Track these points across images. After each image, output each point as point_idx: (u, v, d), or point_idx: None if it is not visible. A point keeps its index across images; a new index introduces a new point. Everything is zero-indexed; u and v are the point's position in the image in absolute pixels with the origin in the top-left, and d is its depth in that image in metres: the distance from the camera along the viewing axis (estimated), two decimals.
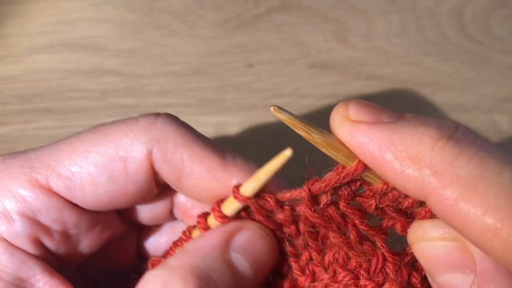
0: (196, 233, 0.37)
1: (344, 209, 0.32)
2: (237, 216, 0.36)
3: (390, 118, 0.29)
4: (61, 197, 0.36)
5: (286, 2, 0.69)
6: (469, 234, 0.25)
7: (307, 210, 0.33)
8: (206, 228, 0.36)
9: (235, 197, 0.34)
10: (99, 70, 0.66)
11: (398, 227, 0.32)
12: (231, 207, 0.35)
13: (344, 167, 0.31)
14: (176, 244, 0.38)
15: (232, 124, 0.62)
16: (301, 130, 0.31)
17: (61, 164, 0.35)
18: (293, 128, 0.31)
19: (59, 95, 0.65)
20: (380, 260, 0.34)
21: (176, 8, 0.69)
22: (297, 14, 0.68)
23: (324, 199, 0.32)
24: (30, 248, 0.36)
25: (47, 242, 0.36)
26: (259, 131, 0.62)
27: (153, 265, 0.38)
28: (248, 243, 0.34)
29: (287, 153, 0.33)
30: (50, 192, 0.36)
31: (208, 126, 0.62)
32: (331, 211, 0.33)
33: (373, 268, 0.34)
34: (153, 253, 0.43)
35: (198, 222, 0.37)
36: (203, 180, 0.36)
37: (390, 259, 0.33)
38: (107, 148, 0.35)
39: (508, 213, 0.23)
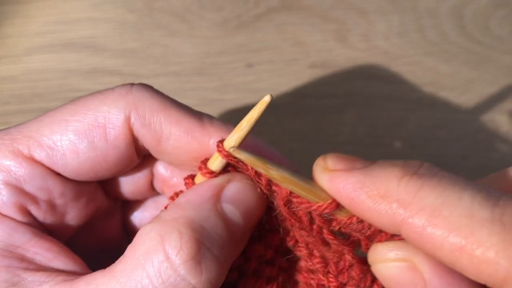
0: None
1: (317, 218, 0.34)
2: (224, 172, 0.36)
3: (363, 164, 0.32)
4: (44, 166, 0.37)
5: (286, 2, 0.69)
6: (441, 256, 0.27)
7: (281, 204, 0.34)
8: None
9: (219, 151, 0.35)
10: (99, 70, 0.66)
11: (363, 245, 0.34)
12: (216, 163, 0.36)
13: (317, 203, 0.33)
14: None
15: (232, 124, 0.62)
16: (260, 168, 0.33)
17: (42, 134, 0.37)
18: (253, 167, 0.33)
19: (59, 95, 0.65)
20: (346, 263, 0.35)
21: (176, 8, 0.69)
22: (297, 14, 0.68)
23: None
24: (18, 216, 0.36)
25: (34, 210, 0.37)
26: (259, 131, 0.62)
27: None
28: (238, 194, 0.35)
29: (266, 99, 0.34)
30: (33, 161, 0.37)
31: None
32: (302, 213, 0.34)
33: (340, 267, 0.36)
34: (139, 229, 0.43)
35: (186, 183, 0.37)
36: (182, 141, 0.37)
37: (356, 265, 0.35)
38: (86, 116, 0.37)
39: (470, 231, 0.26)
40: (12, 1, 0.70)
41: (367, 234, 0.33)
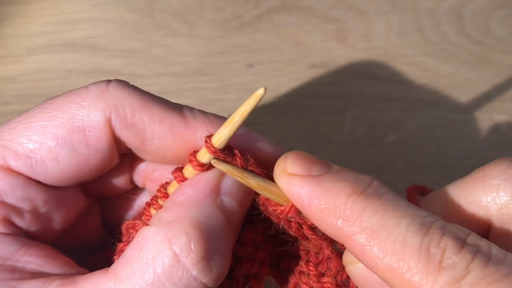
0: (172, 188, 0.37)
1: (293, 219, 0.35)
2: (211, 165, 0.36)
3: (319, 171, 0.33)
4: (24, 175, 0.36)
5: (286, 2, 0.69)
6: (377, 272, 0.30)
7: (261, 203, 0.35)
8: (184, 180, 0.36)
9: (207, 147, 0.35)
10: (99, 70, 0.66)
11: (338, 244, 0.36)
12: (206, 156, 0.35)
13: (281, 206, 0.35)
14: (151, 203, 0.38)
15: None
16: (238, 177, 0.34)
17: (18, 143, 0.35)
18: (231, 176, 0.34)
19: None
20: (325, 255, 0.37)
21: (176, 8, 0.69)
22: (297, 14, 0.68)
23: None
24: (2, 229, 0.35)
25: (18, 221, 0.36)
26: (259, 131, 0.62)
27: (129, 229, 0.38)
28: (234, 184, 0.35)
29: (260, 92, 0.34)
30: (11, 171, 0.35)
31: None
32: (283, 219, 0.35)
33: (320, 258, 0.38)
34: (118, 224, 0.43)
35: (175, 176, 0.37)
36: (166, 139, 0.36)
37: (334, 258, 0.36)
38: (64, 120, 0.35)
39: (402, 256, 0.29)
40: (12, 1, 0.70)
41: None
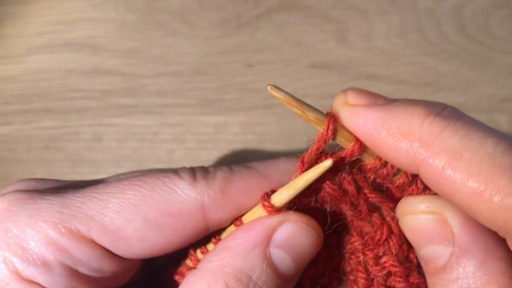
0: (227, 233, 0.37)
1: (356, 176, 0.34)
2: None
3: (384, 101, 0.31)
4: (103, 248, 0.35)
5: (286, 2, 0.69)
6: (457, 199, 0.27)
7: (328, 183, 0.33)
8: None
9: (264, 206, 0.34)
10: (99, 70, 0.66)
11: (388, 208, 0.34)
12: (258, 212, 0.35)
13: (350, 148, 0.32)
14: (199, 247, 0.38)
15: (232, 124, 0.62)
16: (296, 108, 0.32)
17: (106, 217, 0.34)
18: (289, 106, 0.32)
19: (59, 95, 0.65)
20: (385, 232, 0.35)
21: (176, 8, 0.69)
22: (297, 14, 0.68)
23: (340, 175, 0.34)
24: None
25: None
26: (259, 131, 0.62)
27: (174, 276, 0.38)
28: (290, 238, 0.33)
29: (328, 163, 0.32)
30: (92, 243, 0.35)
31: (208, 126, 0.62)
32: (346, 182, 0.34)
33: (376, 239, 0.35)
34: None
35: (234, 220, 0.36)
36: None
37: (395, 231, 0.34)
38: (156, 203, 0.35)
39: (490, 177, 0.26)
40: (12, 1, 0.70)
41: (396, 184, 0.32)
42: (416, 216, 0.31)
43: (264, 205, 0.34)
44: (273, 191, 0.34)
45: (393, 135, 0.29)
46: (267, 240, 0.33)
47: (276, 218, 0.34)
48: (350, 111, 0.31)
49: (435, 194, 0.31)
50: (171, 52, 0.66)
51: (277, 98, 0.32)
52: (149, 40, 0.67)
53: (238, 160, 0.61)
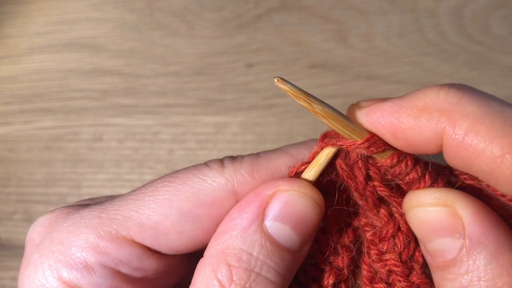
0: None
1: (370, 167, 0.34)
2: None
3: (395, 98, 0.32)
4: (143, 246, 0.36)
5: (286, 2, 0.69)
6: (480, 165, 0.27)
7: (340, 161, 0.34)
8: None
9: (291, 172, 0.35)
10: (99, 70, 0.66)
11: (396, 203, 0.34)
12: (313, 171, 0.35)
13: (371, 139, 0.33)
14: None
15: (232, 124, 0.62)
16: (303, 101, 0.32)
17: (143, 214, 0.35)
18: (295, 99, 0.32)
19: (59, 95, 0.65)
20: (391, 229, 0.34)
21: (176, 8, 0.69)
22: (297, 14, 0.68)
23: (354, 157, 0.34)
24: None
25: None
26: (259, 131, 0.62)
27: None
28: (284, 208, 0.33)
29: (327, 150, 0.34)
30: (132, 242, 0.35)
31: (208, 126, 0.62)
32: (357, 168, 0.34)
33: (382, 235, 0.35)
34: None
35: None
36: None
37: (403, 228, 0.34)
38: (189, 194, 0.35)
39: None
40: (12, 1, 0.70)
41: (406, 180, 0.32)
42: (425, 208, 0.31)
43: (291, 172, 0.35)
44: (297, 171, 0.35)
45: (412, 114, 0.29)
46: (262, 215, 0.33)
47: (267, 190, 0.34)
48: (366, 110, 0.32)
49: (444, 187, 0.31)
50: (171, 52, 0.66)
51: (283, 90, 0.32)
52: (149, 40, 0.67)
53: None
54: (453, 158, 0.30)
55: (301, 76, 0.64)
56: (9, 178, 0.61)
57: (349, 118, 0.33)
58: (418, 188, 0.32)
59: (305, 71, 0.65)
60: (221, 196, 0.35)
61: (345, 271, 0.36)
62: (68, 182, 0.60)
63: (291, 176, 0.35)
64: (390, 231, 0.34)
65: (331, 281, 0.36)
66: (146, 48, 0.67)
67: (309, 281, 0.36)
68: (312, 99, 0.32)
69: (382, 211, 0.34)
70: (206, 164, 0.36)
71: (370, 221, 0.36)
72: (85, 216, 0.36)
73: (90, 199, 0.40)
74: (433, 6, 0.68)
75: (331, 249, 0.37)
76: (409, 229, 0.34)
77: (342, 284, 0.36)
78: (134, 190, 0.37)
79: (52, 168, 0.61)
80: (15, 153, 0.63)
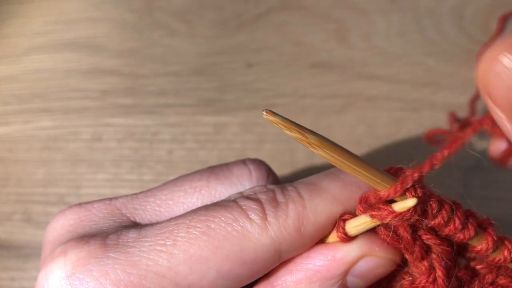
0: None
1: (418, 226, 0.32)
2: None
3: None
4: None
5: (286, 2, 0.68)
6: None
7: (382, 229, 0.32)
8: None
9: (338, 237, 0.33)
10: (99, 70, 0.66)
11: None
12: (358, 226, 0.33)
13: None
14: None
15: (232, 124, 0.62)
16: (296, 132, 0.30)
17: (179, 274, 0.32)
18: (287, 131, 0.30)
19: (59, 95, 0.65)
20: (424, 280, 0.33)
21: (176, 8, 0.69)
22: (297, 14, 0.68)
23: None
24: None
25: None
26: (259, 131, 0.62)
27: None
28: (370, 270, 0.33)
29: (410, 203, 0.31)
30: None
31: (208, 126, 0.62)
32: (402, 228, 0.32)
33: (415, 285, 0.34)
34: None
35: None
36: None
37: (439, 281, 0.32)
38: (230, 254, 0.33)
39: None
40: (11, 1, 0.70)
41: (431, 224, 0.31)
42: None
43: (338, 236, 0.33)
44: (345, 219, 0.33)
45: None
46: (346, 272, 0.32)
47: (358, 250, 0.32)
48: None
49: None
50: (171, 52, 0.66)
51: (273, 123, 0.30)
52: (148, 39, 0.67)
53: None
54: None
55: (301, 76, 0.64)
56: (8, 178, 0.61)
57: (347, 150, 0.31)
58: (447, 234, 0.31)
59: (305, 71, 0.65)
60: (263, 255, 0.33)
61: None
62: (67, 182, 0.60)
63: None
64: (423, 283, 0.33)
65: None
66: (146, 48, 0.66)
67: None
68: (305, 130, 0.30)
69: (424, 262, 0.33)
70: (245, 212, 0.33)
71: (410, 270, 0.35)
72: (111, 271, 0.32)
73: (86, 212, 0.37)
74: (434, 6, 0.68)
75: None
76: (445, 282, 0.33)
77: None
78: (159, 234, 0.33)
79: (52, 168, 0.61)
80: (14, 153, 0.62)
